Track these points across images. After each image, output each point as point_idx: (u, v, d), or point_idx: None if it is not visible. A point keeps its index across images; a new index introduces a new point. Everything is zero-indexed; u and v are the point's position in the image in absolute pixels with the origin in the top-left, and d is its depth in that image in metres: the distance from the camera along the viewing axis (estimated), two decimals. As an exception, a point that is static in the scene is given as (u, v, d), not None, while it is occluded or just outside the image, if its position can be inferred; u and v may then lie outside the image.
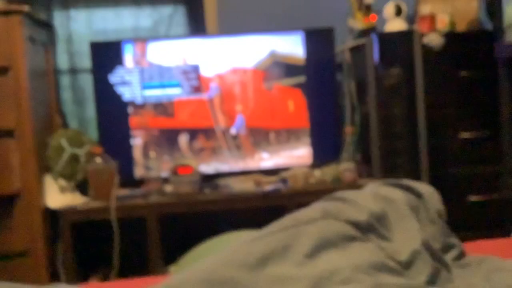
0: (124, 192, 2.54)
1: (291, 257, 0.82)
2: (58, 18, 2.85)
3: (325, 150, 2.76)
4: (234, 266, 0.78)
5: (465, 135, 2.55)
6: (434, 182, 2.48)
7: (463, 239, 2.51)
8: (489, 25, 2.65)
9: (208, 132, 2.73)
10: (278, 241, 0.84)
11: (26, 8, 2.36)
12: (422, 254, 0.92)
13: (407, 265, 0.90)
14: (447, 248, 1.04)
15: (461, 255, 1.07)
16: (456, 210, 2.57)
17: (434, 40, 2.43)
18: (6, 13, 2.30)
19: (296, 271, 0.79)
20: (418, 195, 1.08)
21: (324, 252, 0.85)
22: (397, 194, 1.05)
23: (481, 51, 2.50)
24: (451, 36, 2.51)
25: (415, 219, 1.00)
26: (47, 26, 2.77)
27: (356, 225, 0.92)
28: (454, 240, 1.08)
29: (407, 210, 1.00)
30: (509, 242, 1.37)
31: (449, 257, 1.02)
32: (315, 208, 0.94)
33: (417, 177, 2.48)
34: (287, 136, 2.77)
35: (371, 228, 0.93)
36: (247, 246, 0.83)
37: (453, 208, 2.53)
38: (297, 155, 2.77)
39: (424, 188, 1.12)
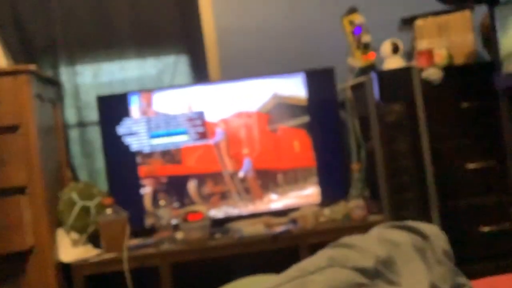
0: (136, 241, 2.55)
1: (299, 309, 0.82)
2: (65, 74, 2.92)
3: (333, 188, 2.77)
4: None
5: (471, 165, 2.55)
6: (444, 214, 2.48)
7: (477, 270, 2.49)
8: (486, 57, 2.69)
9: (216, 177, 2.76)
10: (286, 293, 0.84)
11: (33, 67, 2.43)
12: (431, 297, 0.93)
13: (416, 309, 0.90)
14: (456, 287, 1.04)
15: (471, 294, 1.07)
16: (468, 241, 2.56)
17: (433, 74, 2.47)
18: (14, 72, 2.37)
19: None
20: (423, 236, 1.08)
21: (332, 302, 0.85)
22: (403, 237, 1.05)
23: (480, 82, 2.53)
24: (450, 70, 2.55)
25: (422, 261, 1.00)
26: (54, 83, 2.84)
27: (363, 271, 0.93)
28: (463, 279, 1.08)
29: (414, 252, 1.01)
30: (520, 276, 1.36)
31: (458, 297, 1.02)
32: (321, 256, 0.95)
33: (426, 210, 2.48)
34: (294, 176, 2.79)
35: (378, 273, 0.94)
36: (255, 300, 0.84)
37: (465, 239, 2.54)
38: (305, 194, 2.78)
39: (430, 228, 1.12)
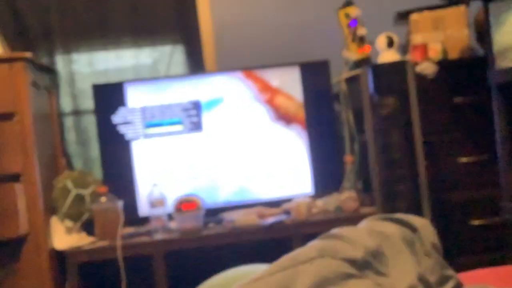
0: (130, 230, 2.57)
1: (290, 298, 0.84)
2: (60, 62, 2.92)
3: (326, 179, 2.79)
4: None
5: (463, 160, 2.58)
6: (436, 207, 2.51)
7: (466, 263, 2.53)
8: (480, 52, 2.71)
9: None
10: (277, 282, 0.86)
11: (28, 54, 2.43)
12: (418, 288, 0.95)
13: (403, 300, 0.92)
14: (443, 280, 1.06)
15: (458, 286, 1.09)
16: (458, 234, 2.60)
17: (427, 68, 2.49)
18: (10, 60, 2.37)
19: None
20: (412, 228, 1.10)
21: (322, 291, 0.87)
22: (392, 229, 1.07)
23: (474, 77, 2.55)
24: (444, 64, 2.57)
25: (410, 253, 1.02)
26: (50, 70, 2.84)
27: (352, 262, 0.94)
28: (450, 272, 1.10)
29: (402, 244, 1.03)
30: (507, 270, 1.39)
31: (445, 289, 1.05)
32: (312, 247, 0.97)
33: (418, 203, 2.50)
34: (288, 167, 2.80)
35: (367, 264, 0.96)
36: (247, 289, 0.86)
37: (456, 232, 2.58)
38: (299, 185, 2.80)
39: (419, 221, 1.14)
